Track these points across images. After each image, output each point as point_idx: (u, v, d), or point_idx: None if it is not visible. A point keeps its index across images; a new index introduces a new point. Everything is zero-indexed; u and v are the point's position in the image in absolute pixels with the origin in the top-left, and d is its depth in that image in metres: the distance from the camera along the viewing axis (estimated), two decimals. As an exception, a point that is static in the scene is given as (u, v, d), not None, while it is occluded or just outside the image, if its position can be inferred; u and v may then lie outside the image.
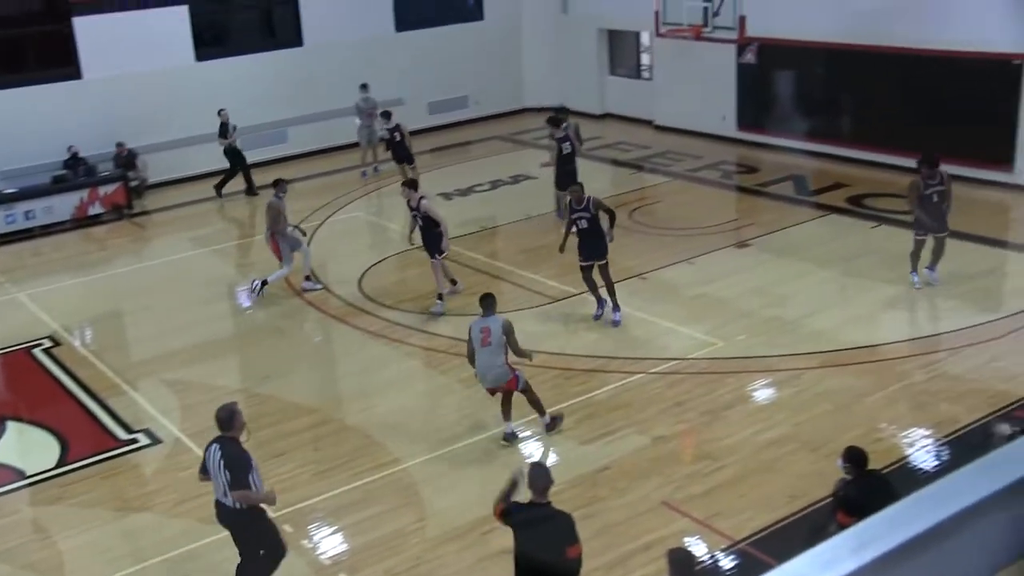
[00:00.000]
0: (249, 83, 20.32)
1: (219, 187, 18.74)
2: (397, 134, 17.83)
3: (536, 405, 9.75)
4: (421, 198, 12.62)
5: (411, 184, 12.92)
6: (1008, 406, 9.72)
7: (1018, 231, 14.45)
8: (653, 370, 11.02)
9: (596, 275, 12.19)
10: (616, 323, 12.09)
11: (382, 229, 17.09)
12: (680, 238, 15.11)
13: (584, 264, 12.16)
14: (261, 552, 7.54)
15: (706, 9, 16.38)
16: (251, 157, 20.59)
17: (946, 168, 12.50)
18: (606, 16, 22.80)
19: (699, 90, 20.60)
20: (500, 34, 23.80)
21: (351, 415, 10.67)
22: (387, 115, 18.20)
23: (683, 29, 16.99)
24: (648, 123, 21.94)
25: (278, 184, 13.76)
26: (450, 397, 10.86)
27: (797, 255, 14.15)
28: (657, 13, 16.99)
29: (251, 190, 18.73)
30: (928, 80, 16.89)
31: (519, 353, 9.55)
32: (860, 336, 11.58)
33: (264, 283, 13.62)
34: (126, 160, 18.84)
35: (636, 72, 23.59)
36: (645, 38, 23.12)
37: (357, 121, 19.67)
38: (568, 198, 12.45)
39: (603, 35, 23.37)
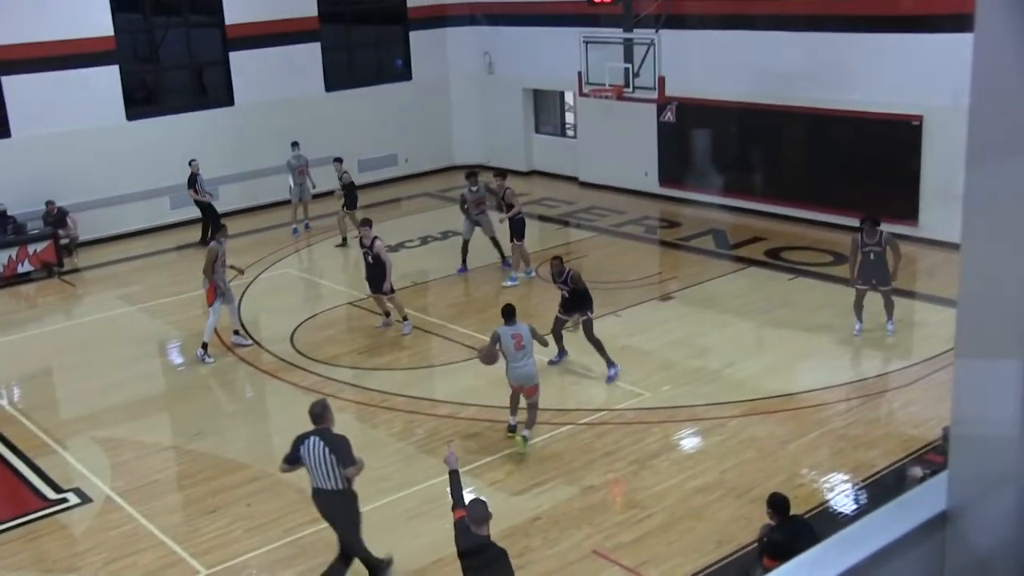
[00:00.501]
0: (180, 142, 20.15)
1: (203, 240, 18.83)
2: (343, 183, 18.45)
3: (532, 416, 10.46)
4: (375, 238, 13.62)
5: (367, 223, 13.91)
6: (920, 450, 10.00)
7: (924, 282, 14.94)
8: (582, 421, 11.08)
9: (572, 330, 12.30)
10: (610, 379, 11.97)
11: (314, 285, 16.99)
12: (606, 291, 15.27)
13: (561, 316, 12.39)
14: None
15: (627, 70, 16.79)
16: (181, 215, 20.40)
17: (863, 224, 12.91)
18: (530, 76, 23.19)
19: (622, 147, 21.01)
20: (428, 94, 24.04)
21: (284, 471, 10.50)
22: (339, 160, 18.62)
23: (605, 89, 17.39)
24: (573, 179, 22.27)
25: (219, 229, 13.83)
26: (383, 450, 10.77)
27: (718, 307, 14.41)
28: (580, 74, 17.35)
29: (204, 241, 18.75)
30: (836, 138, 17.49)
31: (543, 343, 11.00)
32: (780, 384, 11.82)
33: (205, 346, 13.32)
34: (56, 218, 18.48)
35: (561, 130, 23.97)
36: (569, 97, 23.55)
37: (290, 180, 19.64)
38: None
39: (528, 95, 23.75)
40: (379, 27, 23.84)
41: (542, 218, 20.20)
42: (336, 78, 22.59)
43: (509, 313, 10.56)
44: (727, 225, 18.47)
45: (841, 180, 17.42)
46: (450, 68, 24.28)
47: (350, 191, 18.42)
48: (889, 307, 12.82)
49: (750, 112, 18.59)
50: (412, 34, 23.63)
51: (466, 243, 16.24)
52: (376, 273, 13.74)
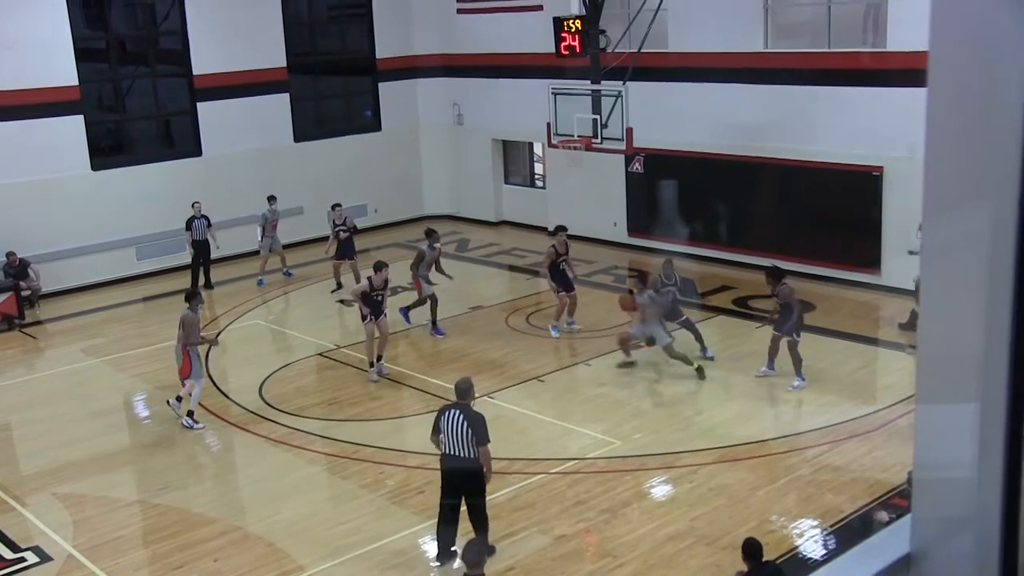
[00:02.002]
0: (147, 192, 20.12)
1: (206, 283, 18.98)
2: (346, 228, 18.21)
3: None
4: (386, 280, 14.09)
5: (383, 265, 14.20)
6: (886, 494, 10.10)
7: (887, 329, 15.15)
8: (553, 470, 11.08)
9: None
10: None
11: (282, 336, 16.92)
12: (576, 341, 15.36)
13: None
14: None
15: (595, 121, 17.00)
16: (147, 266, 20.31)
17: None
18: (499, 127, 23.43)
19: (591, 198, 21.23)
20: (398, 144, 24.21)
21: (253, 523, 10.39)
22: (339, 205, 18.58)
23: (574, 140, 17.57)
24: (543, 229, 22.40)
25: (193, 297, 13.05)
26: (354, 502, 10.69)
27: (688, 355, 14.50)
28: (549, 125, 17.56)
29: (194, 289, 18.88)
30: (800, 188, 17.81)
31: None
32: (749, 431, 11.91)
33: (191, 415, 12.88)
34: (18, 270, 18.30)
35: (530, 180, 24.18)
36: (538, 148, 23.81)
37: (259, 233, 19.61)
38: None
39: (497, 145, 23.98)
40: (348, 78, 24.06)
41: (512, 268, 20.30)
42: (305, 129, 22.70)
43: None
44: (696, 274, 18.63)
45: (805, 229, 17.71)
46: (420, 119, 24.48)
47: (347, 241, 18.32)
48: (793, 358, 13.03)
49: (716, 163, 18.89)
50: (381, 85, 23.86)
51: (433, 300, 16.17)
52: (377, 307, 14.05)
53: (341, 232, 18.13)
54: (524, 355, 14.84)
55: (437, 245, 16.25)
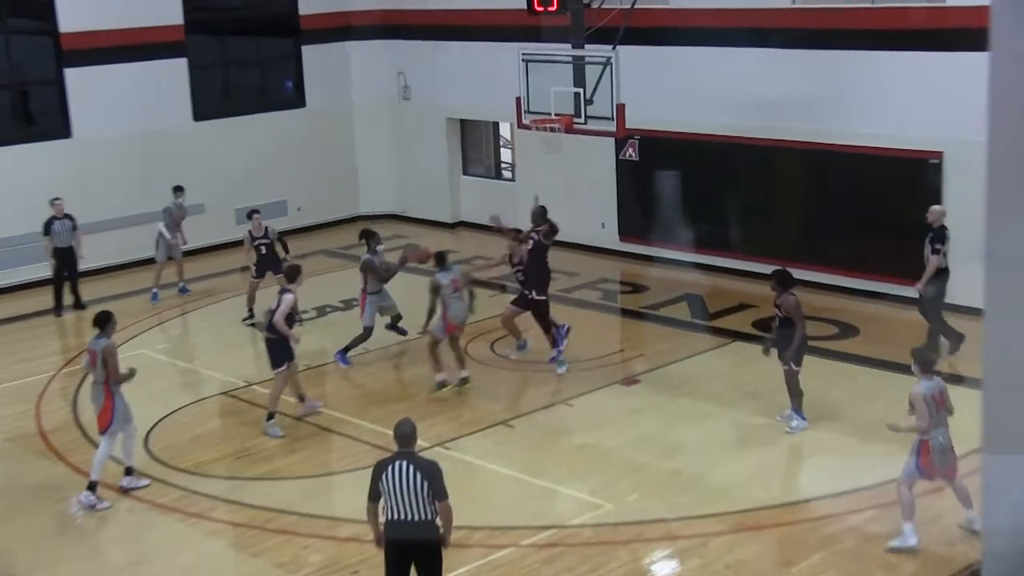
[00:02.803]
0: (-1, 184, 19.91)
1: (75, 302, 18.88)
2: (267, 239, 18.00)
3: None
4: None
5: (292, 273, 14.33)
6: (956, 575, 10.07)
7: (953, 361, 15.17)
8: (525, 542, 11.01)
9: None
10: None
11: (177, 370, 16.72)
12: (554, 374, 15.31)
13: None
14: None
15: (578, 96, 16.95)
16: (4, 279, 20.05)
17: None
18: (457, 104, 23.41)
19: (572, 192, 21.21)
20: (327, 125, 24.14)
21: (134, 616, 10.22)
22: (257, 212, 18.21)
23: (551, 120, 17.51)
24: (512, 232, 22.33)
25: (107, 321, 12.42)
26: (266, 587, 10.57)
27: (696, 393, 14.51)
28: (519, 100, 17.51)
29: (59, 308, 18.96)
30: (837, 181, 17.90)
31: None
32: (775, 492, 11.88)
33: (93, 486, 12.22)
34: None
35: (495, 171, 24.17)
36: (505, 130, 23.77)
37: (163, 231, 19.28)
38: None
39: (453, 126, 23.94)
40: (263, 40, 23.99)
41: (473, 281, 20.20)
42: (207, 104, 22.60)
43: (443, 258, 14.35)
44: (705, 289, 18.68)
45: (845, 232, 17.78)
46: (354, 92, 24.44)
47: (270, 255, 17.99)
48: (790, 392, 13.12)
49: (731, 148, 18.96)
50: (306, 49, 23.81)
51: (368, 332, 16.04)
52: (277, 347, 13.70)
53: (262, 246, 17.90)
54: (487, 393, 14.80)
55: (381, 248, 16.23)
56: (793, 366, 12.99)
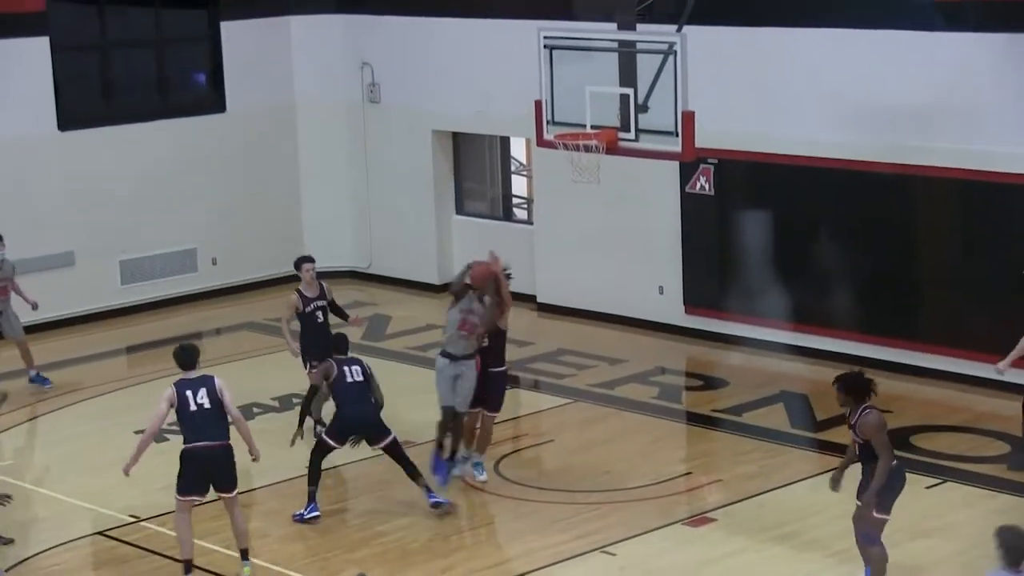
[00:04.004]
0: None
1: None
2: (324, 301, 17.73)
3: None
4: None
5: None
6: None
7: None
8: None
9: None
10: None
11: (26, 498, 16.63)
12: (589, 509, 15.21)
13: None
14: None
15: (625, 100, 16.90)
16: None
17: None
18: (447, 110, 23.35)
19: (616, 242, 21.13)
20: (257, 138, 24.16)
21: None
22: (307, 261, 17.93)
23: (585, 134, 17.44)
24: (529, 299, 22.28)
25: None
26: None
27: (800, 538, 14.35)
28: (539, 105, 17.43)
29: None
30: (1015, 225, 17.83)
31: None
32: None
33: None
34: None
35: (503, 209, 24.13)
36: (519, 149, 23.80)
37: None
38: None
39: (443, 143, 23.91)
40: (164, 13, 23.97)
41: (467, 371, 20.19)
42: (80, 106, 22.73)
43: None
44: (813, 385, 18.52)
45: (1012, 298, 17.59)
46: (298, 91, 24.54)
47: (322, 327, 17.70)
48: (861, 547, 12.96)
49: (853, 178, 18.83)
50: (226, 26, 23.92)
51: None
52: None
53: (318, 312, 17.59)
54: (491, 532, 14.85)
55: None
56: (876, 513, 12.78)
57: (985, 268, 17.99)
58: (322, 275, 23.57)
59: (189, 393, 13.52)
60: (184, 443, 13.52)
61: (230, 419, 13.68)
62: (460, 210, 24.21)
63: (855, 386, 12.71)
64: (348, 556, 14.43)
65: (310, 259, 17.77)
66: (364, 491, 16.15)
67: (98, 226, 22.20)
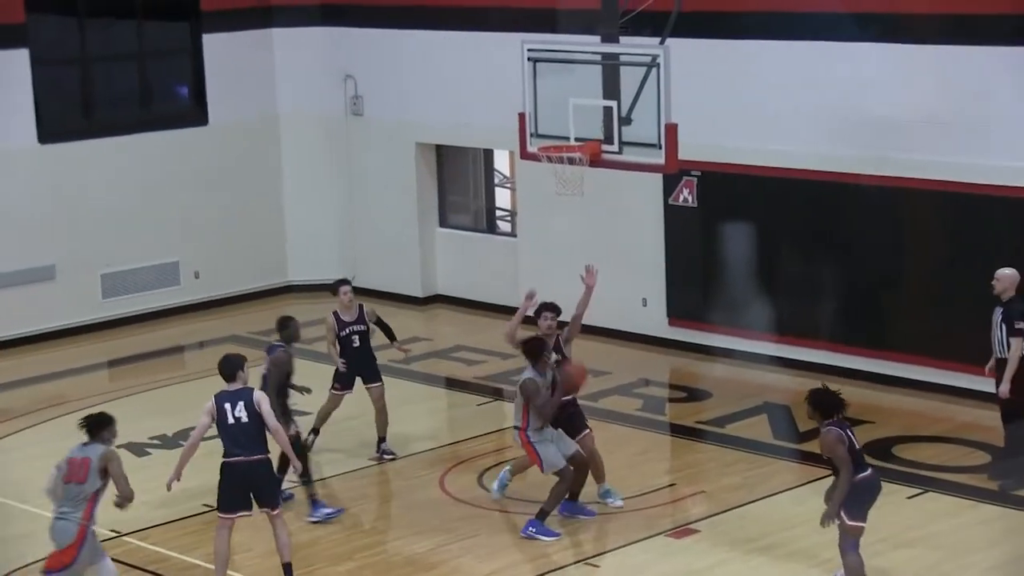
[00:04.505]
0: None
1: None
2: (364, 327, 17.40)
3: None
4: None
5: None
6: None
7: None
8: None
9: None
10: None
11: (6, 513, 16.64)
12: (572, 521, 15.13)
13: None
14: None
15: (609, 112, 16.92)
16: None
17: None
18: (431, 122, 23.36)
19: (599, 254, 21.10)
20: (240, 151, 24.15)
21: None
22: (344, 283, 17.65)
23: (569, 147, 17.47)
24: (512, 312, 22.16)
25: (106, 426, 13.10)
26: None
27: (783, 549, 14.35)
28: (523, 118, 17.46)
29: None
30: (995, 238, 17.77)
31: None
32: None
33: None
34: None
35: (487, 222, 24.09)
36: (503, 162, 23.75)
37: None
38: None
39: (427, 155, 23.88)
40: (145, 25, 23.91)
41: (452, 383, 20.17)
42: (60, 119, 22.69)
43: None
44: (793, 397, 18.52)
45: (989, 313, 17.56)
46: (280, 104, 24.53)
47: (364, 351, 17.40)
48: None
49: (837, 190, 18.82)
50: (208, 39, 23.87)
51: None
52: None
53: (355, 336, 17.44)
54: (475, 545, 14.85)
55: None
56: (847, 520, 12.80)
57: (967, 279, 17.97)
58: (304, 288, 23.80)
59: (228, 406, 13.58)
60: (223, 456, 13.54)
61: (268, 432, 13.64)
62: (444, 222, 24.18)
63: (820, 402, 12.86)
64: (331, 570, 14.45)
65: (346, 282, 17.53)
66: (347, 505, 16.10)
67: (79, 239, 22.14)
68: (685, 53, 16.75)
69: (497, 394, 19.17)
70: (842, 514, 12.65)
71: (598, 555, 14.45)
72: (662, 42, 16.46)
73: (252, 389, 13.80)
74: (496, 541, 15.00)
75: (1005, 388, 15.21)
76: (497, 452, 17.30)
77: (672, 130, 16.25)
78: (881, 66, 18.39)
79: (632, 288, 20.97)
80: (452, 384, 20.19)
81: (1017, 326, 15.09)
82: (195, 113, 23.90)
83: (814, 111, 18.87)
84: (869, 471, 12.70)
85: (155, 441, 18.17)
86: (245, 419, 13.52)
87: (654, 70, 16.35)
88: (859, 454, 12.70)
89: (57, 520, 12.77)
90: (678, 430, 18.48)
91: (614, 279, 20.85)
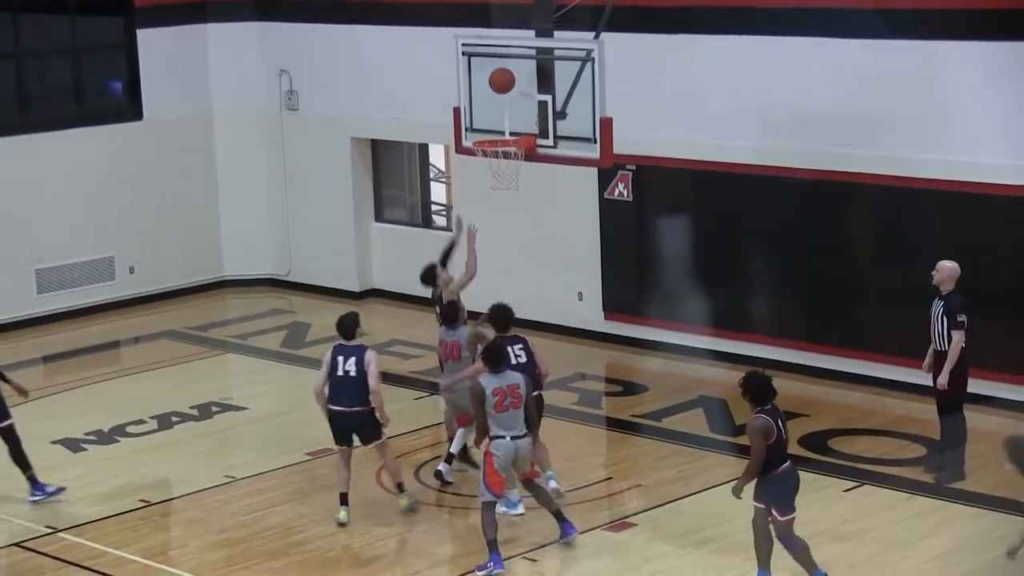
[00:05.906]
0: None
1: None
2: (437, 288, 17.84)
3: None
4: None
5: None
6: None
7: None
8: None
9: None
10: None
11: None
12: (509, 515, 15.19)
13: None
14: None
15: (543, 106, 16.91)
16: None
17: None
18: (366, 117, 23.38)
19: (535, 248, 21.12)
20: (174, 146, 24.07)
21: None
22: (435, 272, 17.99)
23: (504, 141, 17.42)
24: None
25: None
26: None
27: (720, 542, 14.42)
28: (458, 112, 17.41)
29: None
30: (933, 232, 17.87)
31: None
32: None
33: None
34: None
35: (422, 216, 24.06)
36: (438, 156, 23.70)
37: None
38: None
39: (362, 150, 23.88)
40: (79, 20, 23.80)
41: (391, 378, 20.12)
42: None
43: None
44: (729, 390, 18.54)
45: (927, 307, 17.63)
46: (215, 99, 24.47)
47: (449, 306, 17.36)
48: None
49: (773, 184, 18.95)
50: (142, 34, 23.79)
51: None
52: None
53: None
54: (413, 539, 14.98)
55: None
56: (779, 517, 12.85)
57: (901, 273, 18.09)
58: (240, 283, 23.70)
59: (340, 359, 15.04)
60: (327, 402, 15.00)
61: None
62: (379, 217, 24.18)
63: (751, 387, 12.92)
64: (269, 564, 14.45)
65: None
66: (283, 500, 16.06)
67: (13, 235, 22.05)
68: (620, 47, 16.77)
69: (434, 388, 19.12)
70: (773, 512, 12.76)
71: (536, 549, 14.44)
72: (596, 36, 16.46)
73: (367, 349, 15.13)
74: (434, 535, 15.14)
75: (944, 380, 15.31)
76: (434, 446, 17.28)
77: (607, 124, 16.24)
78: (815, 60, 18.48)
79: (568, 282, 21.02)
80: (388, 379, 20.09)
81: (959, 319, 15.16)
82: (129, 108, 23.82)
83: (749, 105, 18.98)
84: (788, 463, 12.82)
85: (91, 437, 18.05)
86: (353, 373, 14.93)
87: (589, 64, 16.33)
88: (783, 446, 12.77)
89: None
90: (614, 424, 18.57)
91: (550, 273, 20.96)
